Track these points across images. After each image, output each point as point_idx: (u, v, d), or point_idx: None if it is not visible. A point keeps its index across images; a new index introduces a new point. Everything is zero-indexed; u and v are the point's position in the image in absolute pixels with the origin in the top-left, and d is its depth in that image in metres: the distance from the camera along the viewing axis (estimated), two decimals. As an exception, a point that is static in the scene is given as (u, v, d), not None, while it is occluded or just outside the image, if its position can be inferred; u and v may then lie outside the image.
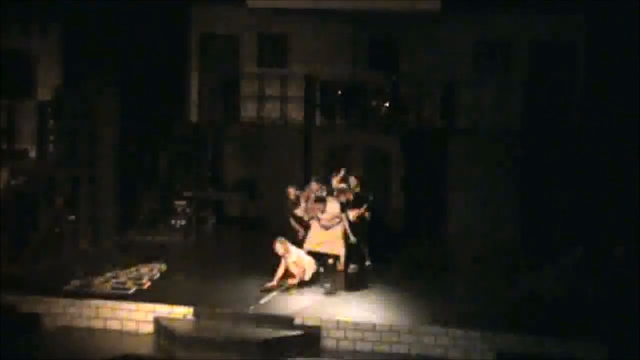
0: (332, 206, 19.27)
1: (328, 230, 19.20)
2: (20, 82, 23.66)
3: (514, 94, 24.16)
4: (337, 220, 19.24)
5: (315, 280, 18.41)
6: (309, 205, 19.45)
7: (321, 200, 19.19)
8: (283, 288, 17.69)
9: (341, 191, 19.71)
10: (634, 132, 21.22)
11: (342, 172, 20.31)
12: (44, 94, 23.61)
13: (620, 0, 22.10)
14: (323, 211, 19.13)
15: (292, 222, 20.13)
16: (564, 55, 24.79)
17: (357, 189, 20.08)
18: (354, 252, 19.60)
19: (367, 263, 20.00)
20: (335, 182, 20.08)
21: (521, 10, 24.24)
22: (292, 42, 25.87)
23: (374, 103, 23.55)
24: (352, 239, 19.12)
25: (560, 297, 17.39)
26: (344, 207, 19.36)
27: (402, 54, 25.40)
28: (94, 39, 22.11)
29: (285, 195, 20.31)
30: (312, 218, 19.41)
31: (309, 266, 18.26)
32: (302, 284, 17.99)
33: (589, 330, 15.70)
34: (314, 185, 20.15)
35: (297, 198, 20.06)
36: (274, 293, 17.43)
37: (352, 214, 19.38)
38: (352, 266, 19.49)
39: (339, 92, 23.98)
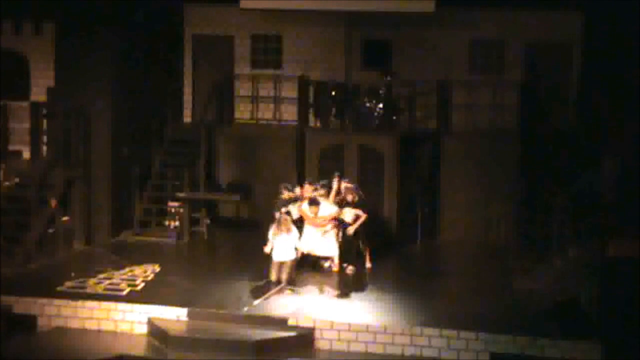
0: (326, 208, 19.23)
1: (321, 232, 19.17)
2: (13, 82, 23.65)
3: (509, 95, 24.14)
4: (331, 222, 19.21)
5: (309, 281, 18.46)
6: (303, 207, 19.33)
7: (315, 202, 19.10)
8: (279, 288, 17.69)
9: (349, 190, 19.67)
10: (631, 132, 21.21)
11: (335, 181, 20.14)
12: (37, 94, 23.62)
13: (616, 0, 22.12)
14: (316, 214, 19.05)
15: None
16: (560, 55, 24.83)
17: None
18: (356, 254, 19.62)
19: (368, 265, 20.02)
20: (332, 194, 19.89)
21: (516, 10, 24.27)
22: (286, 42, 25.90)
23: (367, 104, 23.51)
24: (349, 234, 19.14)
25: (554, 297, 17.41)
26: (348, 205, 19.38)
27: (396, 54, 25.42)
28: (87, 39, 22.09)
29: (279, 192, 20.16)
30: (302, 219, 19.36)
31: None
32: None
33: (583, 330, 15.72)
34: (307, 187, 20.07)
35: (290, 199, 19.88)
36: (269, 294, 17.43)
37: (352, 226, 19.40)
38: (348, 267, 19.48)
39: (333, 92, 23.96)
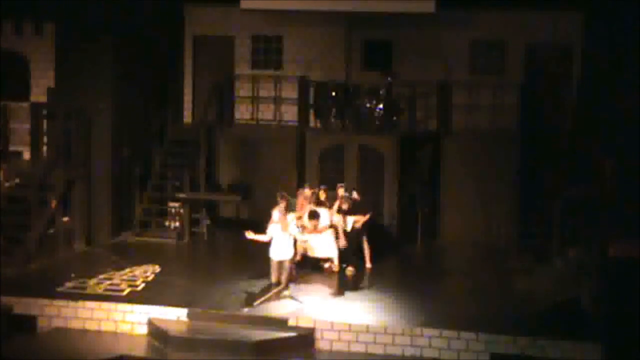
0: (325, 219, 19.13)
1: (319, 234, 19.11)
2: (14, 83, 23.66)
3: (509, 95, 24.13)
4: (330, 228, 19.14)
5: (309, 282, 18.46)
6: (303, 220, 19.16)
7: (315, 216, 18.95)
8: (278, 290, 17.65)
9: (343, 200, 19.63)
10: (631, 133, 21.22)
11: (341, 190, 20.08)
12: (37, 95, 23.63)
13: (617, 1, 22.13)
14: (316, 227, 18.88)
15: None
16: (560, 55, 24.84)
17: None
18: (356, 254, 19.61)
19: (368, 265, 20.01)
20: (337, 203, 19.79)
21: (516, 10, 24.29)
22: (286, 43, 25.91)
23: (367, 104, 23.52)
24: (342, 243, 19.02)
25: (554, 297, 17.42)
26: (344, 213, 19.35)
27: (396, 54, 25.43)
28: (87, 39, 22.11)
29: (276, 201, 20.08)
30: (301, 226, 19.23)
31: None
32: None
33: (583, 330, 15.71)
34: (307, 191, 19.98)
35: (287, 206, 19.75)
36: (268, 295, 17.40)
37: (357, 224, 19.41)
38: (348, 268, 19.47)
39: (333, 93, 23.96)
